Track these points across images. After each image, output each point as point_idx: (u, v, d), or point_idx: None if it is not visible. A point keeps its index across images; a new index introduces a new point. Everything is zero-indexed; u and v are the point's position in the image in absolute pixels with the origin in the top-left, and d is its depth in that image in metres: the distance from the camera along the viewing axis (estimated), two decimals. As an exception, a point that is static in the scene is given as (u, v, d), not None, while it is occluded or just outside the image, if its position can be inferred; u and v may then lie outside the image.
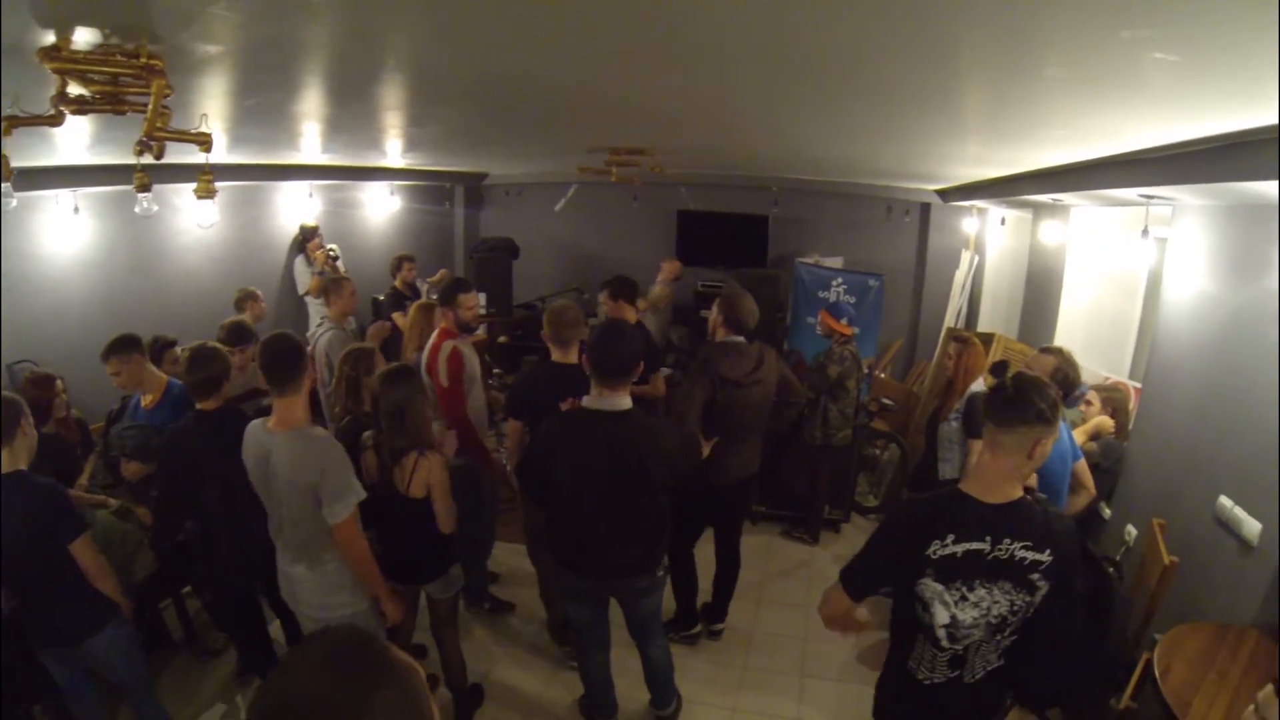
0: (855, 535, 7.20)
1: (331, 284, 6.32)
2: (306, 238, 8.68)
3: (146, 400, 4.78)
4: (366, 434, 4.18)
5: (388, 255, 8.93)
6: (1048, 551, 2.59)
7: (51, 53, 2.15)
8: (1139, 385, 5.31)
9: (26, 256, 5.84)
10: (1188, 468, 4.38)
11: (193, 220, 7.09)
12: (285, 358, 3.49)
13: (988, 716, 3.00)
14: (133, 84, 2.34)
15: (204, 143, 2.80)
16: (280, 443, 3.48)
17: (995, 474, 2.64)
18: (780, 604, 6.06)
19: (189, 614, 5.18)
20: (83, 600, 3.54)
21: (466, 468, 5.09)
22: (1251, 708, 2.36)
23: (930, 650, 2.76)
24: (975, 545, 2.61)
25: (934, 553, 2.63)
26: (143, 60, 2.25)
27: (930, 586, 2.66)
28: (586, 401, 3.86)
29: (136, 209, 3.46)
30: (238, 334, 5.59)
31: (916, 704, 2.92)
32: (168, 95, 2.38)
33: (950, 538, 2.62)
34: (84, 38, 2.16)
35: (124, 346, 4.63)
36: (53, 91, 2.37)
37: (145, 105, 2.41)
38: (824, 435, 6.53)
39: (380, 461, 4.06)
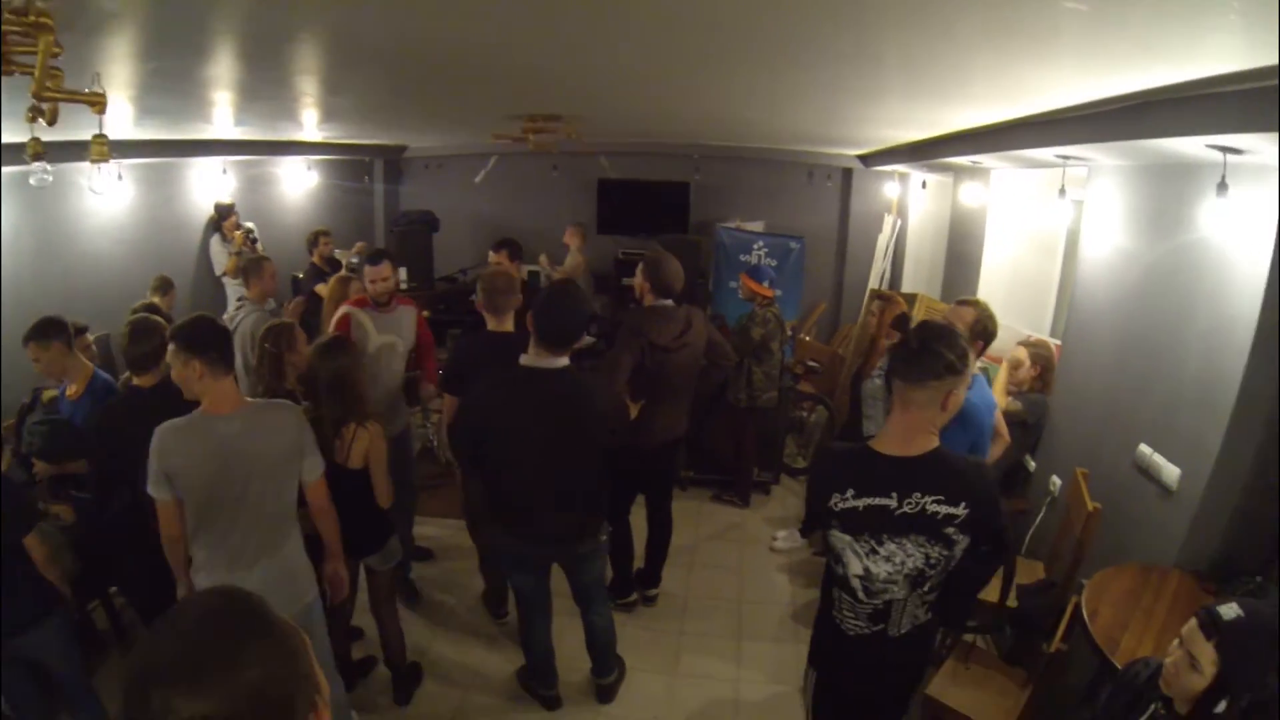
0: (785, 497, 7.33)
1: (251, 264, 6.12)
2: (222, 216, 8.44)
3: (71, 390, 4.59)
4: (302, 406, 4.11)
5: (304, 232, 8.75)
6: (963, 505, 2.56)
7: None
8: (1059, 342, 5.42)
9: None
10: (1108, 418, 4.51)
11: (99, 201, 6.93)
12: (222, 338, 3.32)
13: (918, 667, 3.04)
14: (21, 43, 2.19)
15: (97, 103, 2.64)
16: (245, 419, 3.30)
17: (907, 428, 2.63)
18: (713, 567, 6.13)
19: (118, 612, 5.04)
20: (29, 590, 3.53)
21: (398, 438, 5.07)
22: (1176, 641, 2.43)
23: (848, 601, 2.79)
24: (879, 500, 2.62)
25: (835, 505, 2.66)
26: (31, 18, 2.11)
27: (839, 538, 2.70)
28: (524, 360, 3.84)
29: (31, 180, 3.33)
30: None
31: (845, 655, 2.94)
32: (57, 54, 2.22)
33: (850, 492, 2.64)
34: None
35: (44, 332, 4.39)
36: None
37: (30, 66, 2.27)
38: (749, 397, 6.59)
39: (318, 433, 3.96)
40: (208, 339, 3.22)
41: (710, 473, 7.28)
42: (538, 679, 4.60)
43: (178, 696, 1.06)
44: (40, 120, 2.60)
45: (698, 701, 4.70)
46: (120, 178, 6.49)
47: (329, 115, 6.17)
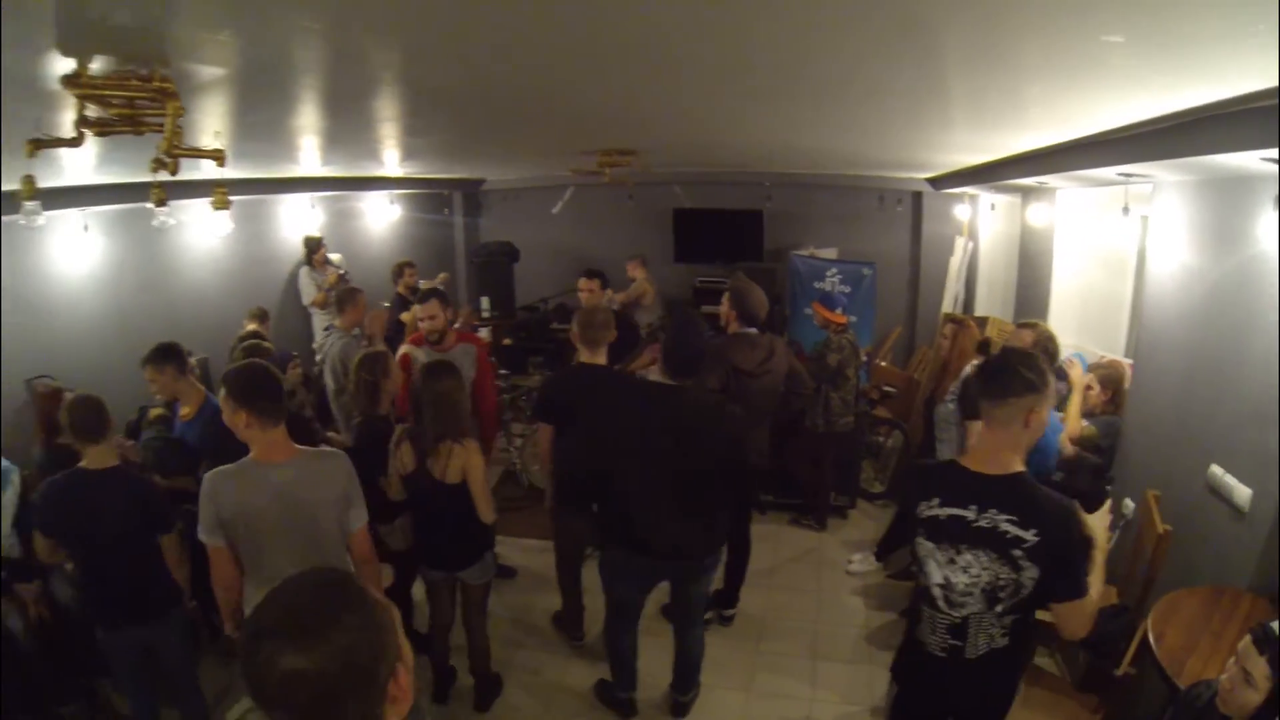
0: (862, 521, 7.33)
1: (346, 294, 6.49)
2: (312, 250, 8.79)
3: (184, 412, 4.85)
4: (401, 426, 4.38)
5: (390, 264, 9.04)
6: (1033, 531, 2.64)
7: (73, 80, 2.27)
8: (1131, 362, 5.38)
9: (40, 275, 5.97)
10: (1179, 439, 4.46)
11: (197, 235, 7.38)
12: (274, 388, 3.34)
13: (997, 699, 3.04)
14: (149, 106, 2.47)
15: (218, 158, 2.93)
16: (298, 468, 3.35)
17: (992, 447, 2.75)
18: (790, 589, 6.19)
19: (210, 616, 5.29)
20: (159, 586, 3.87)
21: None
22: (1232, 659, 2.46)
23: (929, 613, 2.89)
24: (959, 511, 2.74)
25: (922, 512, 2.80)
26: (156, 84, 2.37)
27: (923, 544, 2.83)
28: (650, 378, 4.09)
29: (154, 222, 3.64)
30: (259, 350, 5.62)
31: (924, 672, 3.04)
32: (181, 115, 2.51)
33: (936, 500, 2.78)
34: (101, 65, 2.28)
35: (161, 356, 4.68)
36: (72, 116, 2.51)
37: (160, 125, 2.54)
38: (826, 423, 6.64)
39: (417, 451, 4.24)
40: (257, 389, 3.27)
41: (788, 497, 7.32)
42: (619, 682, 4.72)
43: (281, 652, 1.27)
44: (164, 170, 2.86)
45: (770, 718, 4.77)
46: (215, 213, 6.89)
47: (410, 154, 6.40)
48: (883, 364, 8.86)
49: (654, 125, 4.76)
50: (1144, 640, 3.44)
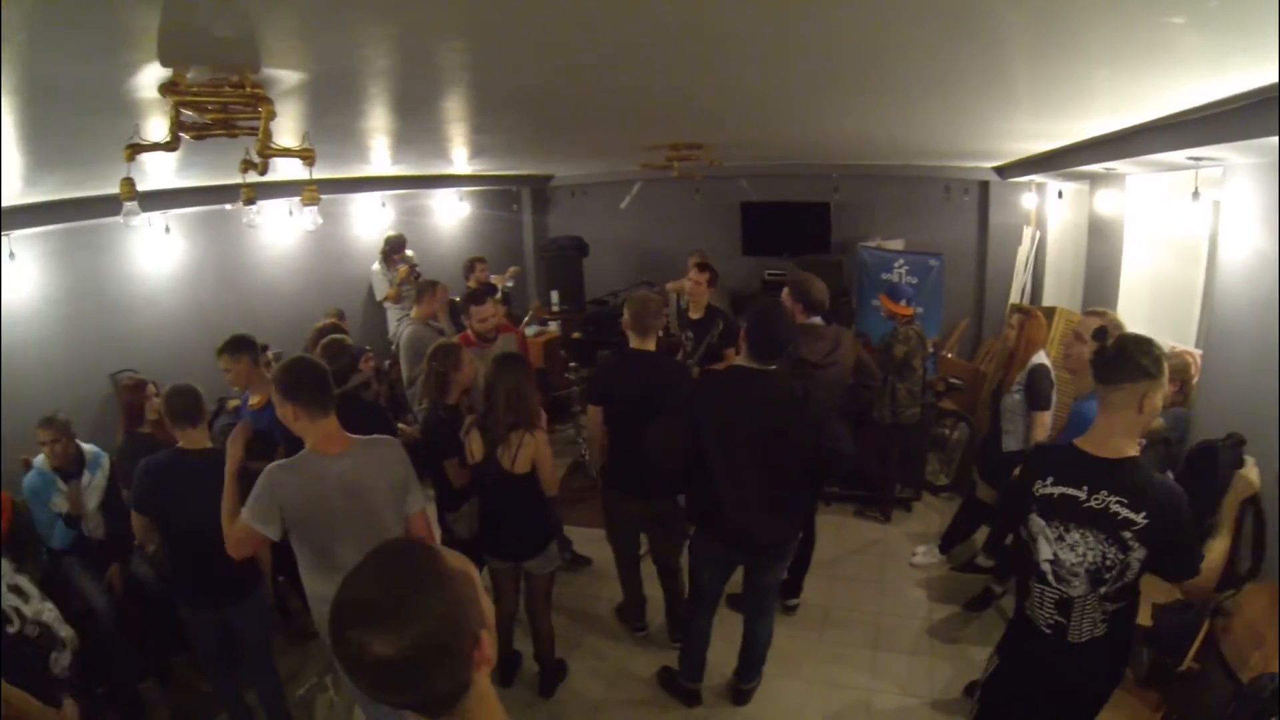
0: (927, 514, 7.32)
1: (426, 285, 6.80)
2: (394, 248, 8.92)
3: (254, 401, 5.00)
4: (470, 417, 4.51)
5: (460, 260, 9.15)
6: (1143, 514, 2.75)
7: (170, 87, 2.43)
8: (1201, 352, 5.29)
9: (124, 274, 6.27)
10: (1249, 431, 4.37)
11: (273, 235, 7.69)
12: (319, 380, 3.43)
13: (1097, 685, 3.15)
14: (241, 110, 2.63)
15: (308, 157, 3.09)
16: (355, 457, 3.44)
17: (1107, 430, 2.86)
18: (854, 580, 6.21)
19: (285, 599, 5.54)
20: (243, 567, 3.93)
21: None
22: None
23: (1039, 587, 3.01)
24: (1071, 490, 2.86)
25: (1038, 490, 2.93)
26: (248, 89, 2.53)
27: (1035, 522, 2.95)
28: (740, 361, 4.13)
29: (244, 220, 3.87)
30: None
31: (1028, 648, 3.15)
32: (274, 118, 2.67)
33: (1050, 479, 2.91)
34: (196, 73, 2.45)
35: (235, 347, 4.86)
36: (165, 122, 2.69)
37: (252, 128, 2.71)
38: (893, 414, 6.64)
39: (486, 441, 4.37)
40: (302, 383, 3.36)
41: (854, 488, 7.32)
42: (687, 671, 4.77)
43: (367, 641, 1.35)
44: (252, 171, 3.03)
45: (831, 709, 4.80)
46: (291, 213, 7.11)
47: (478, 152, 6.52)
48: (949, 356, 8.80)
49: (723, 118, 4.80)
50: (1209, 635, 3.41)
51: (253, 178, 3.30)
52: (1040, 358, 5.39)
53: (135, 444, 5.05)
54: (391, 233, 9.09)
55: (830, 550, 6.43)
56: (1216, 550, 2.91)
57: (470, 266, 8.69)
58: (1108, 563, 2.81)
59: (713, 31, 2.35)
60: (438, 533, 4.60)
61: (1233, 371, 4.62)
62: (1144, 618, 4.06)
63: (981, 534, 6.25)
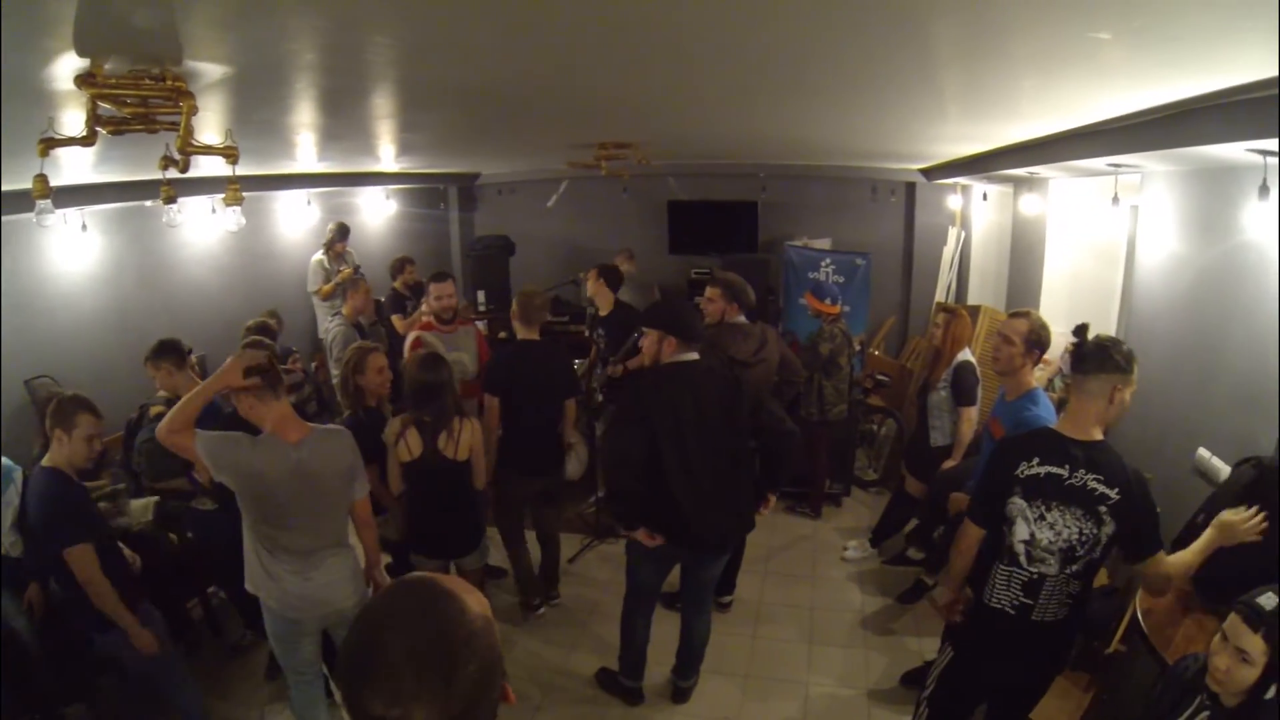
0: (856, 508, 7.43)
1: (350, 282, 6.80)
2: (340, 236, 8.68)
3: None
4: (399, 417, 4.48)
5: (386, 259, 9.00)
6: (1117, 490, 2.98)
7: (87, 79, 2.33)
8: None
9: (38, 274, 5.98)
10: (1168, 423, 4.54)
11: (194, 233, 7.43)
12: (270, 365, 3.62)
13: (1043, 676, 3.43)
14: (162, 105, 2.54)
15: (230, 155, 2.99)
16: (312, 445, 3.62)
17: (1080, 415, 3.06)
18: (786, 576, 6.27)
19: (213, 610, 5.45)
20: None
21: None
22: (1218, 638, 2.52)
23: (1006, 570, 3.17)
24: (1055, 469, 3.03)
25: (1022, 472, 3.08)
26: (169, 83, 2.44)
27: (1016, 504, 3.10)
28: (674, 357, 4.14)
29: (164, 219, 3.72)
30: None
31: (987, 633, 3.31)
32: (195, 114, 2.58)
33: (1035, 460, 3.07)
34: (114, 65, 2.35)
35: (157, 352, 4.75)
36: (82, 115, 2.57)
37: (173, 124, 2.61)
38: (820, 411, 6.70)
39: (423, 434, 4.38)
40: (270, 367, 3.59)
41: (785, 485, 7.34)
42: (628, 670, 4.78)
43: (407, 714, 1.21)
44: (173, 169, 2.94)
45: (769, 703, 4.83)
46: (214, 211, 6.94)
47: (405, 149, 6.45)
48: (876, 353, 8.95)
49: (652, 117, 4.80)
50: (1133, 619, 3.53)
51: (173, 175, 3.20)
52: (965, 355, 5.51)
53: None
54: (343, 221, 8.89)
55: (762, 547, 6.48)
56: (1191, 552, 3.11)
57: (400, 266, 8.52)
58: (1083, 538, 3.02)
59: (644, 31, 2.36)
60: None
61: (1150, 367, 4.72)
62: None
63: (910, 527, 6.34)
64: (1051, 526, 3.05)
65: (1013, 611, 3.18)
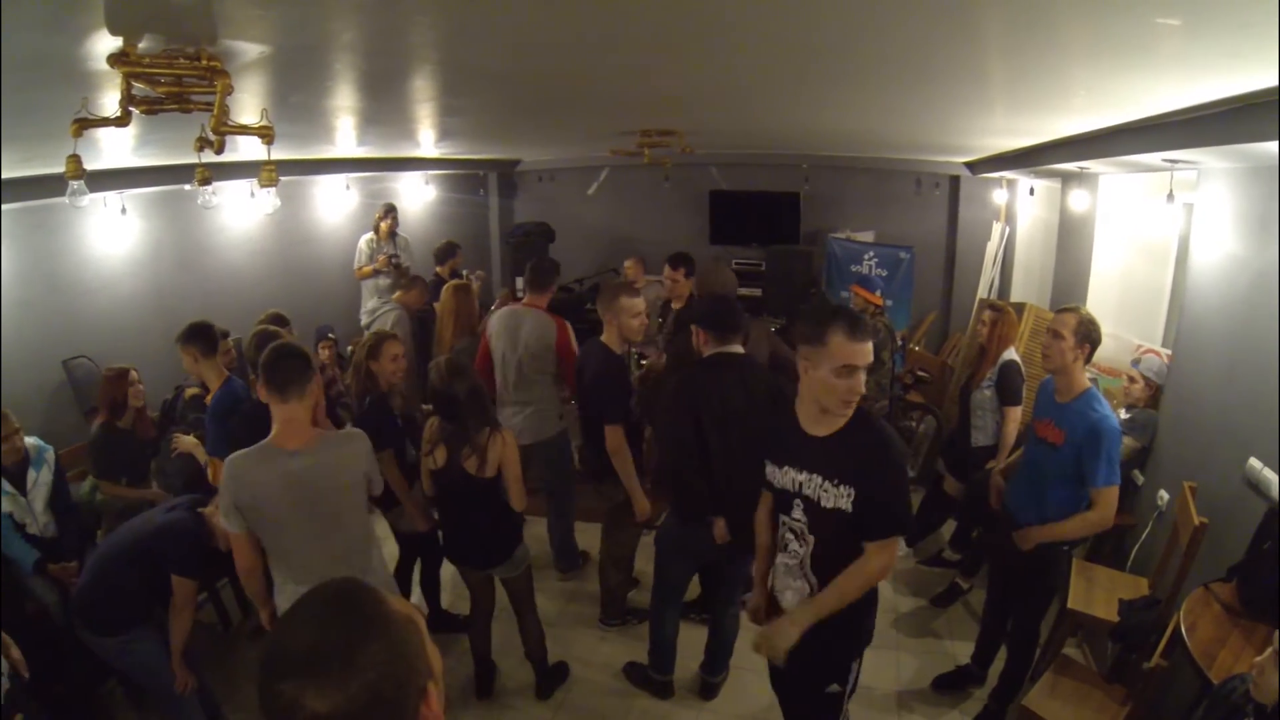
0: (892, 506, 7.28)
1: (415, 279, 7.05)
2: (386, 215, 8.61)
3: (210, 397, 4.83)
4: (431, 423, 4.32)
5: (425, 244, 9.02)
6: None
7: (121, 58, 2.28)
8: (1169, 352, 5.32)
9: (78, 256, 6.06)
10: (1218, 431, 4.40)
11: (233, 217, 7.52)
12: (270, 365, 3.32)
13: None
14: (196, 84, 2.50)
15: (266, 135, 2.95)
16: (315, 454, 3.36)
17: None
18: (819, 573, 6.16)
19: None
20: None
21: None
22: (1270, 650, 2.43)
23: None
24: None
25: None
26: (204, 62, 2.40)
27: None
28: (715, 349, 4.13)
29: (199, 201, 3.72)
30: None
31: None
32: (230, 93, 2.53)
33: None
34: (149, 44, 2.31)
35: (184, 337, 4.64)
36: (117, 96, 2.54)
37: (207, 104, 2.58)
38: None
39: (449, 447, 4.19)
40: (264, 362, 3.31)
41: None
42: (658, 665, 4.76)
43: (301, 694, 1.17)
44: (208, 150, 2.90)
45: (797, 701, 4.76)
46: (253, 195, 6.96)
47: (445, 135, 6.43)
48: (917, 348, 8.82)
49: (697, 106, 4.76)
50: (1175, 632, 3.41)
51: (208, 157, 3.17)
52: (1011, 354, 5.40)
53: (116, 443, 4.98)
54: (386, 202, 8.86)
55: (796, 543, 6.37)
56: None
57: (450, 250, 8.49)
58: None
59: (691, 17, 2.31)
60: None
61: (1201, 372, 4.65)
62: (1109, 613, 4.11)
63: (948, 528, 6.25)
64: None
65: None
